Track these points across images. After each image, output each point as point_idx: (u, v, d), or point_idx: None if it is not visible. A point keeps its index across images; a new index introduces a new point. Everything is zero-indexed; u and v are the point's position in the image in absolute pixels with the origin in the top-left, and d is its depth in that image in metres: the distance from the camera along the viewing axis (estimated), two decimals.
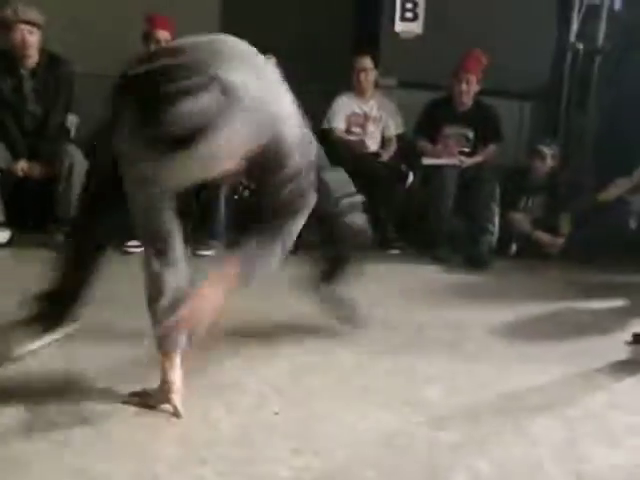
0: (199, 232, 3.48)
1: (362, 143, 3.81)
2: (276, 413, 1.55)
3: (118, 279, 2.16)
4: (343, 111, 3.85)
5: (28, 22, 3.13)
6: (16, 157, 3.22)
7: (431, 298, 2.76)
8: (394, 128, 3.88)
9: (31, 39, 3.16)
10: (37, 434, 1.40)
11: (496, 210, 3.54)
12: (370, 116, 3.85)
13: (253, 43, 1.49)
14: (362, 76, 3.80)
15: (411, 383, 1.81)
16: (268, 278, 1.56)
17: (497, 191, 3.56)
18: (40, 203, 3.30)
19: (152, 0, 3.78)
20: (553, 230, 3.61)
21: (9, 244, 3.22)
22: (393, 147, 3.87)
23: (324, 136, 3.83)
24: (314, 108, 3.79)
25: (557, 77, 4.19)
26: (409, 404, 1.66)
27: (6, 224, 3.21)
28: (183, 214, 3.65)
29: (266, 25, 4.05)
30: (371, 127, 3.85)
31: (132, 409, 1.53)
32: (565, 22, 4.13)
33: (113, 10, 3.95)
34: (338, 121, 3.83)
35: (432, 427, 1.55)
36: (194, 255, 3.26)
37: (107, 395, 1.58)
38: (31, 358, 1.76)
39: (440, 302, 2.70)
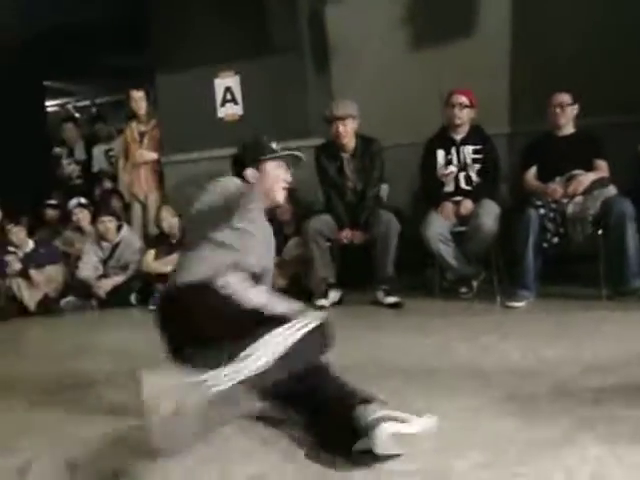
0: (508, 283, 3.49)
1: None
2: None
3: None
4: None
5: (341, 117, 3.68)
6: (341, 227, 3.75)
7: None
8: None
9: (344, 130, 3.69)
10: None
11: None
12: None
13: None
14: None
15: None
16: None
17: None
18: (362, 265, 3.76)
19: (445, 73, 4.11)
20: None
21: (340, 302, 3.74)
22: None
23: None
24: (625, 139, 3.56)
25: None
26: None
27: (337, 285, 3.73)
28: (489, 265, 3.69)
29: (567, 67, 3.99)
30: None
31: None
32: None
33: (411, 90, 4.35)
34: None
35: None
36: (503, 306, 3.29)
37: None
38: None
39: None
